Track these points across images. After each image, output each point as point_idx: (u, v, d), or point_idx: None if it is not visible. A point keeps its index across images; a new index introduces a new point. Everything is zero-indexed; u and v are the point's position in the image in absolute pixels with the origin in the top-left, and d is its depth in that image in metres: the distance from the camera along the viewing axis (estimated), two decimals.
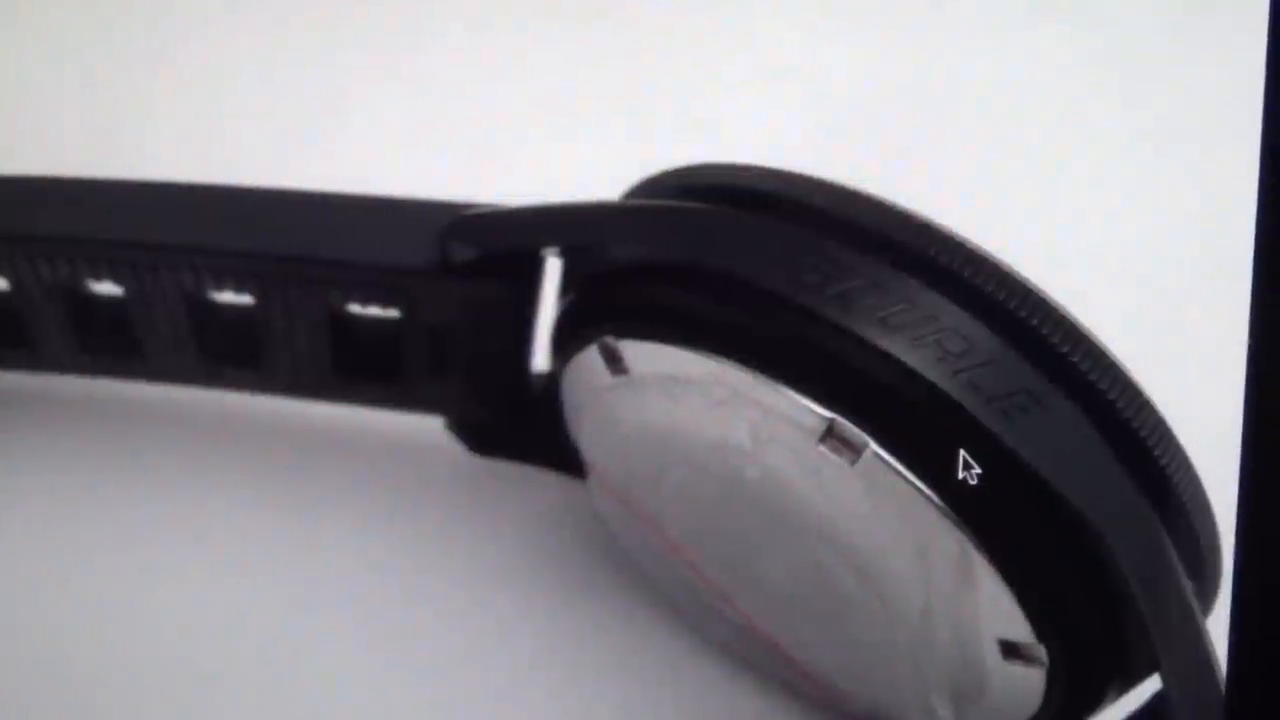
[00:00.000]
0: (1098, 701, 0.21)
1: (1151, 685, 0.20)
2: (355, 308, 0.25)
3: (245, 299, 0.25)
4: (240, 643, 0.25)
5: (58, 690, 0.24)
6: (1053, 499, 0.19)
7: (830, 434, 0.20)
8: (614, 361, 0.22)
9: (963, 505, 0.19)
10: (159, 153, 0.26)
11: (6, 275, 0.25)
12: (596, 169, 0.23)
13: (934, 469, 0.19)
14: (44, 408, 0.27)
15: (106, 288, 0.25)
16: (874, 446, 0.19)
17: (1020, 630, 0.20)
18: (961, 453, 0.19)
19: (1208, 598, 0.21)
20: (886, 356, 0.19)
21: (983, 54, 0.32)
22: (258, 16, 0.32)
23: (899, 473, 0.19)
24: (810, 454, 0.20)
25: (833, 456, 0.20)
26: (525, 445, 0.26)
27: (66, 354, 0.26)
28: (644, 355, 0.21)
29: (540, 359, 0.25)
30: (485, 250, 0.23)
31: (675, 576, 0.25)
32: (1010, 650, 0.20)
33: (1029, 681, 0.20)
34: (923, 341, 0.19)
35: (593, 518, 0.26)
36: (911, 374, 0.19)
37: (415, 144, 0.30)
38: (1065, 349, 0.19)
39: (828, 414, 0.20)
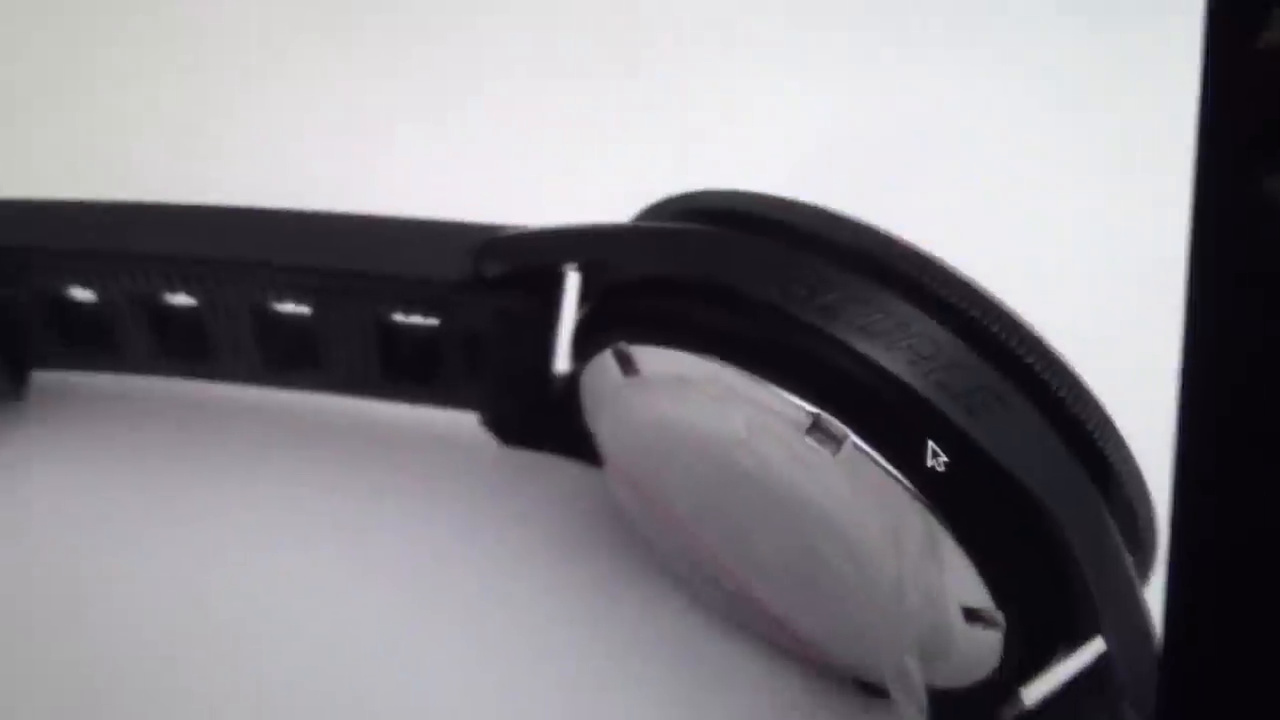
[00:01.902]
0: (1048, 659, 0.21)
1: (1096, 646, 0.20)
2: (400, 317, 0.25)
3: (303, 309, 0.25)
4: (300, 607, 0.25)
5: (141, 645, 0.25)
6: (1010, 483, 0.19)
7: (815, 427, 0.20)
8: (627, 364, 0.22)
9: (931, 489, 0.19)
10: (229, 180, 0.26)
11: (95, 288, 0.25)
12: (611, 195, 0.23)
13: (906, 457, 0.19)
14: (128, 405, 0.27)
15: (182, 299, 0.25)
16: (854, 438, 0.19)
17: (981, 598, 0.20)
18: (930, 443, 0.19)
19: (1145, 568, 0.21)
20: (865, 359, 0.19)
21: (944, 97, 0.32)
22: (321, 72, 0.33)
23: (876, 461, 0.19)
24: (798, 444, 0.20)
25: (817, 447, 0.20)
26: (549, 437, 0.26)
27: (147, 357, 0.26)
28: (653, 358, 0.21)
29: (562, 361, 0.25)
30: (513, 266, 0.23)
31: (680, 550, 0.25)
32: (972, 615, 0.20)
33: (988, 642, 0.21)
34: (897, 346, 0.19)
35: (608, 500, 0.26)
36: (887, 374, 0.19)
37: (453, 174, 0.30)
38: (1021, 352, 0.20)
39: (813, 409, 0.20)
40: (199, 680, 0.24)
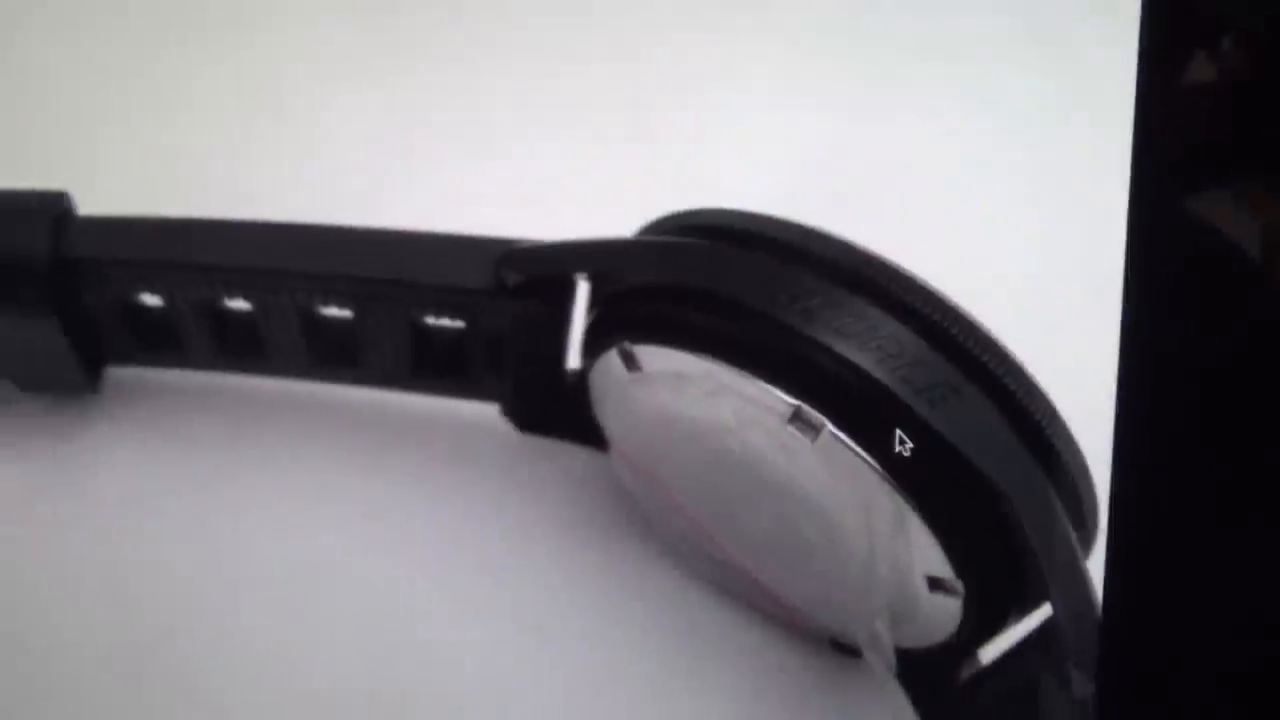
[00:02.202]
0: (1001, 623, 0.21)
1: (1043, 611, 0.20)
2: (430, 319, 0.25)
3: (345, 313, 0.25)
4: (340, 575, 0.25)
5: (199, 612, 0.25)
6: (968, 467, 0.19)
7: (796, 417, 0.20)
8: (630, 361, 0.22)
9: (898, 472, 0.19)
10: (279, 198, 0.26)
11: (161, 294, 0.25)
12: (616, 212, 0.23)
13: (876, 444, 0.19)
14: (191, 397, 0.27)
15: (238, 304, 0.25)
16: (830, 427, 0.20)
17: (943, 568, 0.20)
18: (897, 431, 0.19)
19: (1087, 543, 0.21)
20: (840, 358, 0.20)
21: (910, 127, 0.32)
22: (364, 105, 0.33)
23: (849, 447, 0.20)
24: (781, 432, 0.20)
25: (798, 434, 0.20)
26: (562, 426, 0.26)
27: (207, 355, 0.26)
28: (653, 356, 0.21)
29: (573, 359, 0.25)
30: (530, 275, 0.23)
31: (676, 525, 0.25)
32: (935, 584, 0.20)
33: (949, 608, 0.21)
34: (867, 346, 0.20)
35: (613, 481, 0.26)
36: (859, 371, 0.19)
37: (478, 193, 0.30)
38: (977, 351, 0.20)
39: (794, 401, 0.20)
40: (252, 640, 0.24)
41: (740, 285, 0.20)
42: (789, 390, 0.20)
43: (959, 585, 0.20)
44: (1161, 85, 0.17)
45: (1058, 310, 0.26)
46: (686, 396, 0.21)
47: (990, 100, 0.33)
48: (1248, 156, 0.17)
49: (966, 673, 0.21)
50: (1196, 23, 0.17)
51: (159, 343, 0.26)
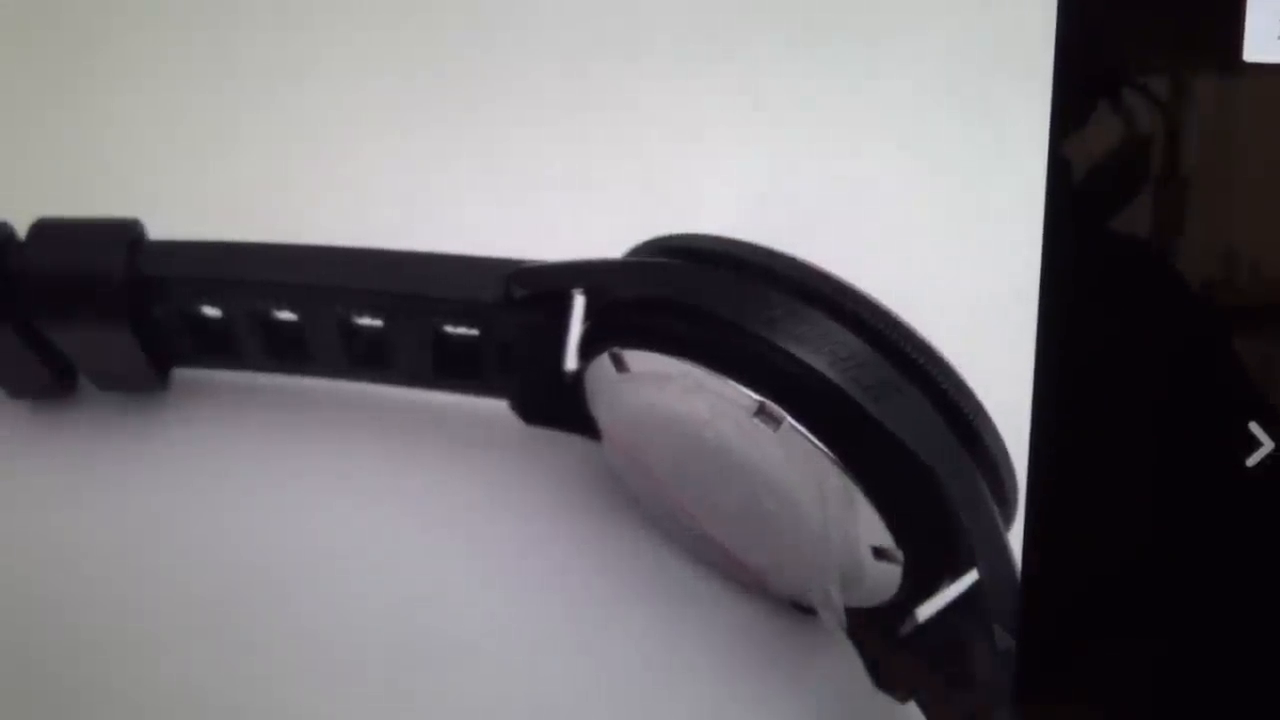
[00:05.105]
0: (935, 586, 0.21)
1: (971, 576, 0.20)
2: (449, 328, 0.25)
3: (377, 322, 0.24)
4: (375, 541, 0.25)
5: (252, 582, 0.25)
6: (906, 453, 0.19)
7: (761, 411, 0.20)
8: (619, 364, 0.22)
9: (848, 457, 0.19)
10: (321, 224, 0.26)
11: (220, 307, 0.25)
12: (608, 237, 0.23)
13: (828, 433, 0.19)
14: (246, 394, 0.27)
15: (286, 314, 0.25)
16: (789, 419, 0.19)
17: (885, 539, 0.20)
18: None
19: (1008, 517, 0.21)
20: (798, 360, 0.19)
21: (856, 164, 0.32)
22: (389, 147, 0.32)
23: (806, 436, 0.19)
24: (747, 424, 0.20)
25: (762, 425, 0.20)
26: (561, 418, 0.26)
27: (260, 358, 0.26)
28: (639, 359, 0.21)
29: (570, 361, 0.24)
30: (535, 290, 0.23)
31: (658, 503, 0.25)
32: (879, 553, 0.20)
33: (891, 573, 0.21)
34: (821, 350, 0.20)
35: (604, 465, 0.26)
36: (814, 371, 0.19)
37: (491, 221, 0.30)
38: (914, 355, 0.20)
39: (759, 397, 0.20)
40: (295, 604, 0.24)
41: (713, 299, 0.20)
42: (754, 388, 0.20)
43: (899, 554, 0.20)
44: (1069, 127, 0.17)
45: (983, 320, 0.26)
46: (667, 393, 0.21)
47: (925, 144, 0.33)
48: (1140, 182, 0.17)
49: (906, 629, 0.21)
50: (1098, 76, 0.17)
51: (218, 348, 0.26)
